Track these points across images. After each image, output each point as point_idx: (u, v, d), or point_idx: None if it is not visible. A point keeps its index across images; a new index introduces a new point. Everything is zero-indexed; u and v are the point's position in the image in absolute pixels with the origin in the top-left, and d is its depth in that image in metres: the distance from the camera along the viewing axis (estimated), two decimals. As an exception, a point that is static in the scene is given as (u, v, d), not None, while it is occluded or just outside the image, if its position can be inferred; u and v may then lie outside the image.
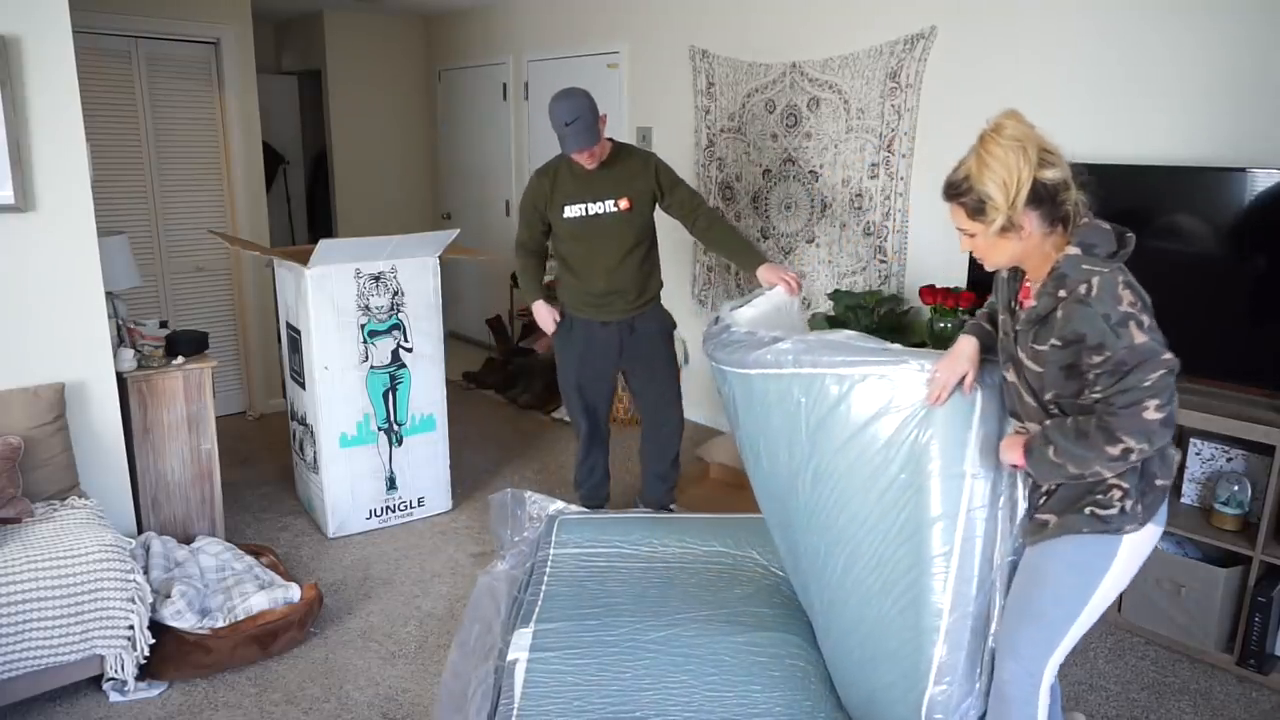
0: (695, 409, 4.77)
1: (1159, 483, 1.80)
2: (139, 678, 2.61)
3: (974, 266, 3.48)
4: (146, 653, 2.57)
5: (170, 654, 2.64)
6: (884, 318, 3.78)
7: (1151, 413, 1.66)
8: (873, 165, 3.96)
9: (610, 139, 3.21)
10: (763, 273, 2.99)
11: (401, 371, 3.63)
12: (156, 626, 2.62)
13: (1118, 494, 1.78)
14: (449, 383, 3.92)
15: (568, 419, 5.08)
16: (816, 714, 2.09)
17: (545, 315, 3.42)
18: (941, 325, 3.43)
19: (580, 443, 3.56)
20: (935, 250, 3.80)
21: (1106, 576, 1.83)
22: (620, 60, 5.14)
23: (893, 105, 3.83)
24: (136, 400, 3.26)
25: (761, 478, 2.33)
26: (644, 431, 3.53)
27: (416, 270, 3.57)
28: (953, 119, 3.66)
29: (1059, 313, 1.72)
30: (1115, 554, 1.80)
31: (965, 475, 1.91)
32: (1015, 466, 1.89)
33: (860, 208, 4.05)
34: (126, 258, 3.47)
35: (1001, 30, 3.45)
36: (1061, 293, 1.72)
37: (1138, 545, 1.82)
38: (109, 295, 3.21)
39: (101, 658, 2.54)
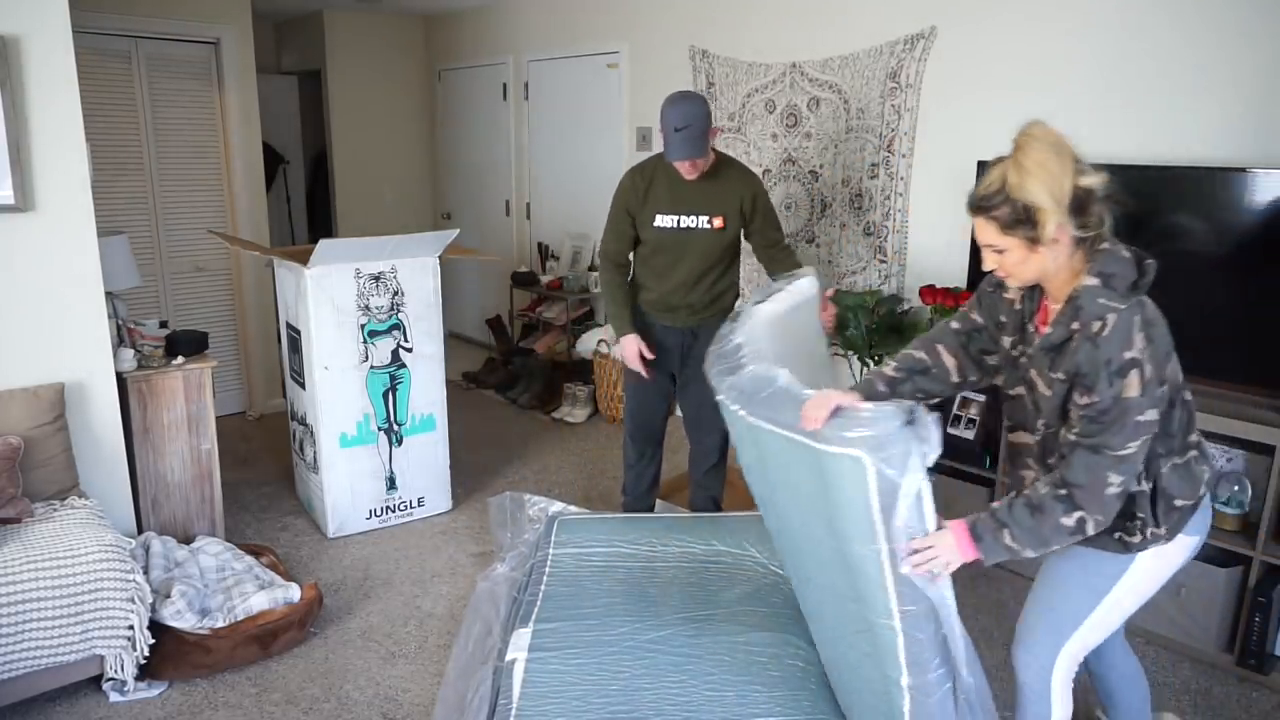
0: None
1: (1179, 503, 1.77)
2: (139, 678, 2.60)
3: (974, 266, 3.48)
4: (146, 653, 2.57)
5: (170, 654, 2.64)
6: (884, 318, 3.78)
7: (1113, 488, 1.63)
8: (873, 165, 3.96)
9: (715, 150, 3.05)
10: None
11: (401, 371, 3.63)
12: (156, 626, 2.62)
13: (1139, 523, 1.77)
14: (449, 383, 3.92)
15: (570, 419, 5.09)
16: (816, 714, 2.09)
17: (635, 352, 3.08)
18: (941, 325, 3.43)
19: (632, 448, 3.35)
20: (935, 250, 3.80)
21: (1117, 587, 1.83)
22: (620, 60, 5.15)
23: (893, 105, 3.84)
24: (136, 400, 3.26)
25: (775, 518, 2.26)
26: (689, 441, 3.38)
27: (416, 270, 3.57)
28: (953, 119, 3.66)
29: (1072, 344, 1.66)
30: (1125, 571, 1.81)
31: (880, 550, 1.74)
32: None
33: (860, 208, 4.05)
34: (126, 258, 3.47)
35: (1001, 30, 3.45)
36: (1075, 325, 1.65)
37: (1161, 559, 1.81)
38: (109, 295, 3.21)
39: (101, 658, 2.54)
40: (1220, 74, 2.92)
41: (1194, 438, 1.80)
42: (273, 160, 6.55)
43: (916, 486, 1.69)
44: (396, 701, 2.62)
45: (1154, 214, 2.98)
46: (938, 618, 1.78)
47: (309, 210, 7.22)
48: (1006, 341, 1.88)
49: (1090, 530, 1.67)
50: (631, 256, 3.24)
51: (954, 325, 1.99)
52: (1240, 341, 2.84)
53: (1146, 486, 1.75)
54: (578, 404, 5.13)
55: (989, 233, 1.68)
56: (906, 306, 3.88)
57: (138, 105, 4.55)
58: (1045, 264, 1.67)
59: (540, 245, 6.00)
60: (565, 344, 5.56)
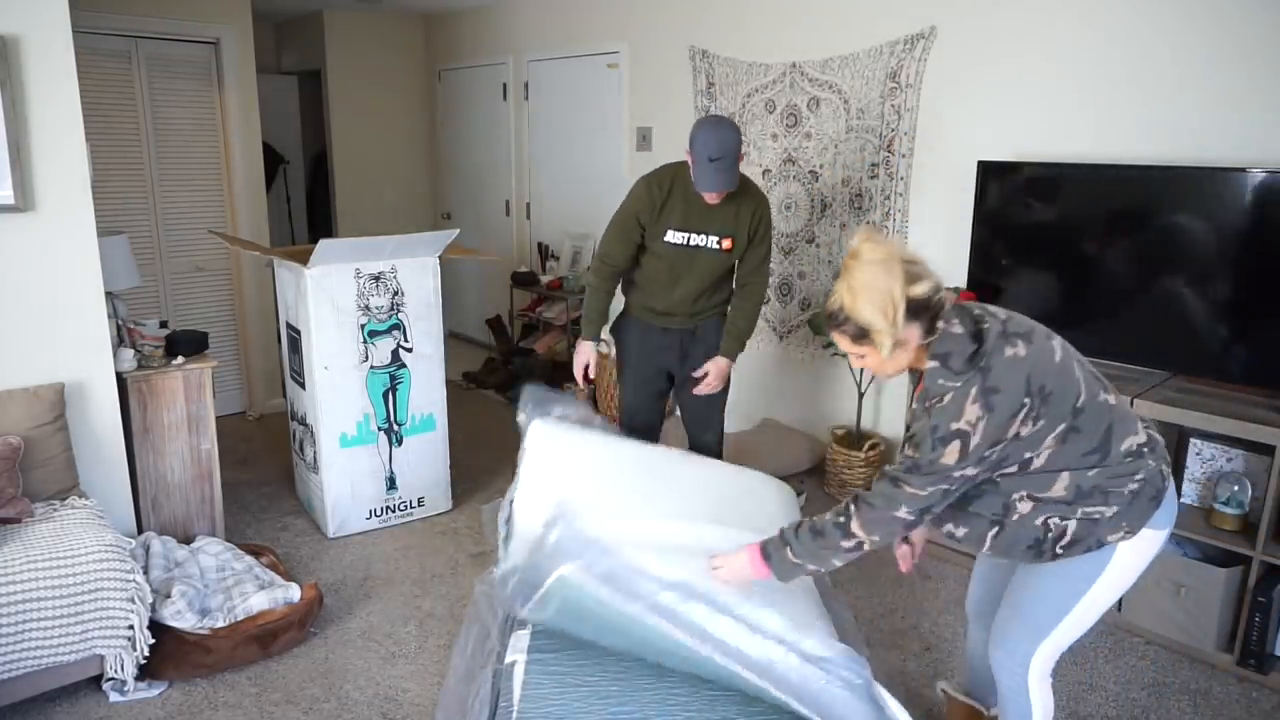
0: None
1: (1123, 490, 1.77)
2: (139, 678, 2.61)
3: (974, 267, 3.49)
4: (146, 653, 2.57)
5: (170, 654, 2.64)
6: (884, 318, 3.78)
7: (902, 513, 1.75)
8: (873, 165, 3.96)
9: None
10: (713, 363, 3.12)
11: (401, 371, 3.63)
12: (156, 626, 2.62)
13: (1076, 526, 1.80)
14: (449, 383, 3.92)
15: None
16: (827, 715, 2.09)
17: (584, 363, 3.16)
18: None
19: None
20: (935, 250, 3.79)
21: (1096, 585, 1.85)
22: (620, 60, 5.15)
23: (893, 105, 3.84)
24: (136, 400, 3.26)
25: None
26: (689, 442, 3.39)
27: (416, 270, 3.57)
28: (952, 119, 3.66)
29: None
30: (1105, 567, 1.83)
31: (645, 618, 1.85)
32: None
33: (860, 208, 4.05)
34: (126, 258, 3.47)
35: (1002, 30, 3.45)
36: (928, 403, 1.76)
37: (1135, 554, 1.83)
38: (109, 295, 3.20)
39: (101, 658, 2.54)
40: (1220, 74, 2.92)
41: (1130, 444, 1.79)
42: (273, 160, 6.55)
43: (613, 560, 1.86)
44: (396, 701, 2.62)
45: (1154, 214, 2.98)
46: (722, 606, 1.86)
47: (309, 210, 7.22)
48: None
49: (867, 549, 1.79)
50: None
51: None
52: (1240, 341, 2.85)
53: (1064, 491, 1.78)
54: (578, 404, 5.13)
55: (845, 343, 1.81)
56: (906, 306, 3.88)
57: (138, 105, 4.55)
58: (902, 361, 1.79)
59: (540, 245, 6.00)
60: (565, 344, 5.56)
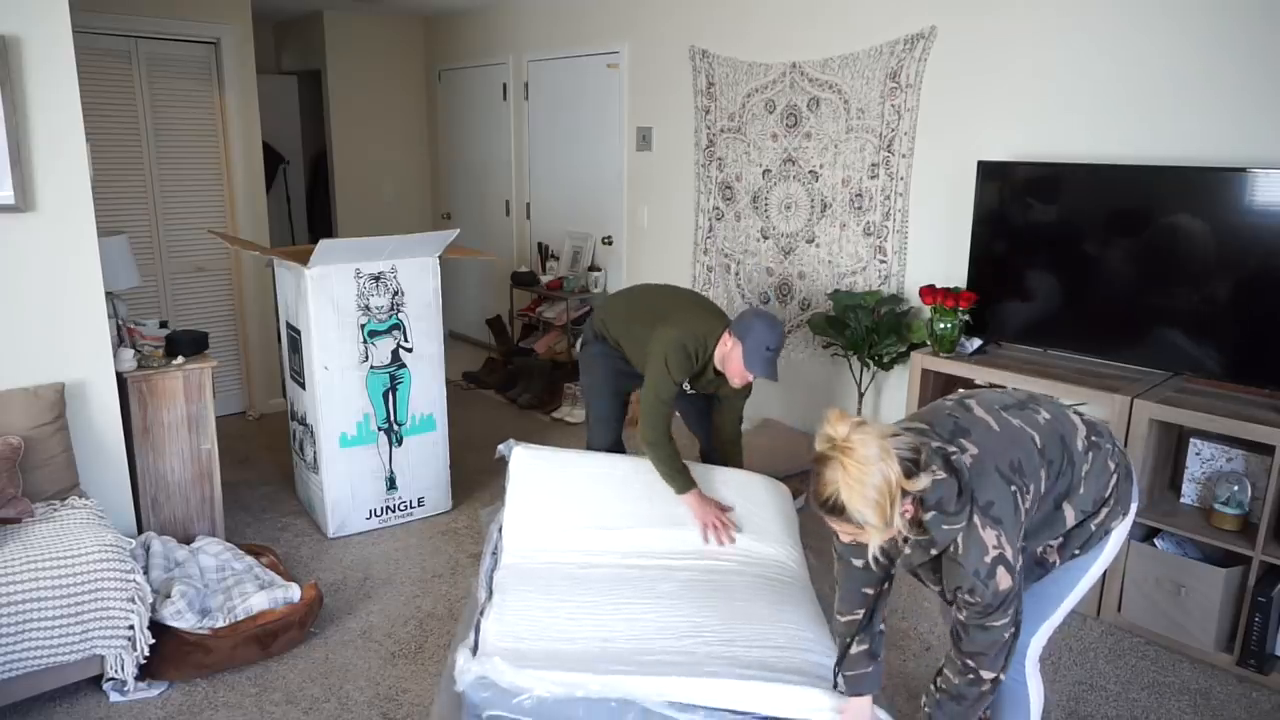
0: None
1: (1108, 493, 1.91)
2: (139, 678, 2.60)
3: (974, 267, 3.49)
4: (146, 653, 2.57)
5: (170, 654, 2.64)
6: (884, 318, 3.79)
7: (1007, 637, 1.77)
8: (873, 165, 3.96)
9: None
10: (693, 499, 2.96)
11: (401, 371, 3.63)
12: (156, 626, 2.62)
13: (1097, 524, 1.91)
14: (449, 383, 3.93)
15: (569, 419, 5.09)
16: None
17: (708, 505, 2.93)
18: (942, 326, 3.43)
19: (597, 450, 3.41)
20: (935, 250, 3.80)
21: (1094, 566, 1.98)
22: (620, 60, 5.15)
23: (893, 105, 3.84)
24: (136, 400, 3.26)
25: None
26: (702, 449, 3.46)
27: (416, 270, 3.57)
28: (953, 119, 3.66)
29: (942, 562, 1.76)
30: (1106, 546, 1.97)
31: None
32: None
33: (860, 208, 4.05)
34: (126, 258, 3.47)
35: (1001, 30, 3.45)
36: (934, 550, 1.75)
37: (1123, 529, 1.97)
38: (109, 295, 3.21)
39: (101, 658, 2.54)
40: (1220, 74, 2.92)
41: (1080, 442, 1.89)
42: (273, 160, 6.55)
43: None
44: (396, 701, 2.62)
45: (1153, 214, 2.98)
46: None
47: (309, 210, 7.22)
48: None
49: (1001, 680, 1.81)
50: (608, 324, 3.25)
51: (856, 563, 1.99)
52: (1240, 341, 2.85)
53: (1075, 519, 1.88)
54: (577, 404, 5.13)
55: (846, 529, 1.68)
56: (906, 306, 3.88)
57: (138, 105, 4.55)
58: (903, 529, 1.69)
59: (540, 245, 6.00)
60: (565, 344, 5.56)
